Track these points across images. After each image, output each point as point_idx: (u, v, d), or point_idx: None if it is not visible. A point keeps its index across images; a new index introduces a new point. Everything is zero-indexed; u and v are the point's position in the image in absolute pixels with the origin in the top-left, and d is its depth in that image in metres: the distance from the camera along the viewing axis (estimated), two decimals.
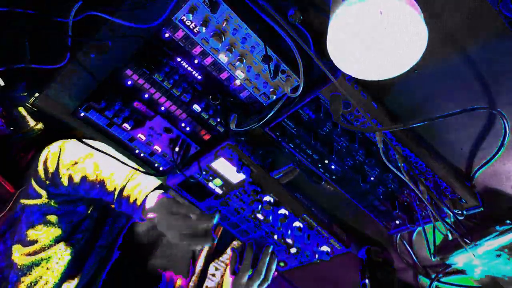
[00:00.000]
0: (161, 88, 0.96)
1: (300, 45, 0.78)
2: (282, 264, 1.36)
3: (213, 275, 1.47)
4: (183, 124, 1.02)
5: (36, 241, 1.18)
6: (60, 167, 1.18)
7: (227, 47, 0.85)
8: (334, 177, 1.10)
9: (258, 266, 1.28)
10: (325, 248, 1.23)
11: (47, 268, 1.17)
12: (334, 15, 0.68)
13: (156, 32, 0.86)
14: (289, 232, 1.21)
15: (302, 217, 1.17)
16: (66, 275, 1.20)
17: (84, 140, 1.05)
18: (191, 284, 1.43)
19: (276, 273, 1.39)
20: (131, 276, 1.32)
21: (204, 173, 1.10)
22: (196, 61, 0.91)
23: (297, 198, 1.18)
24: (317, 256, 1.26)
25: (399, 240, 1.34)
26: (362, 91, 0.91)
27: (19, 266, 1.16)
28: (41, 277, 1.16)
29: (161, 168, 1.13)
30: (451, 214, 1.02)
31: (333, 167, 1.08)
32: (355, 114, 0.93)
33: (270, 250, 1.30)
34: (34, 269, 1.16)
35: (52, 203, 1.21)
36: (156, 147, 1.05)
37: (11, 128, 1.28)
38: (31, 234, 1.18)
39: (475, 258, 1.22)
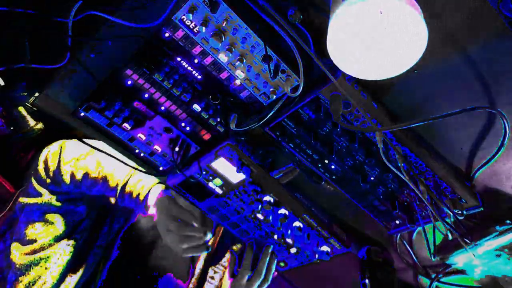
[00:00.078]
0: (161, 88, 0.95)
1: (300, 45, 0.78)
2: (282, 264, 1.36)
3: (212, 277, 1.47)
4: (183, 124, 1.02)
5: (35, 240, 1.18)
6: (61, 165, 1.18)
7: (227, 46, 0.85)
8: (334, 177, 1.10)
9: (258, 267, 1.28)
10: (325, 248, 1.23)
11: (46, 268, 1.17)
12: (334, 15, 0.68)
13: (156, 32, 0.86)
14: (289, 232, 1.21)
15: (302, 217, 1.17)
16: (65, 276, 1.21)
17: (84, 140, 1.05)
18: (191, 286, 1.43)
19: (276, 273, 1.39)
20: (129, 276, 1.32)
21: (204, 173, 1.10)
22: (196, 61, 0.91)
23: (297, 198, 1.18)
24: (317, 256, 1.26)
25: (399, 240, 1.34)
26: (362, 91, 0.91)
27: (17, 266, 1.16)
28: (39, 277, 1.16)
29: (161, 168, 1.12)
30: (451, 214, 1.02)
31: (333, 167, 1.08)
32: (355, 114, 0.93)
33: (270, 250, 1.30)
34: (32, 268, 1.16)
35: (52, 202, 1.21)
36: (156, 147, 1.05)
37: (11, 128, 1.28)
38: (30, 233, 1.18)
39: (475, 258, 1.22)
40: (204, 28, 0.81)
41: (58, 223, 1.21)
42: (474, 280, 1.33)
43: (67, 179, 1.18)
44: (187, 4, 0.79)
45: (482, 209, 1.06)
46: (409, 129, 0.97)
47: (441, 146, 1.02)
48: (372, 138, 1.00)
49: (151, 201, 1.19)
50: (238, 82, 0.94)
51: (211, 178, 1.12)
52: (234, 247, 1.44)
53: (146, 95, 0.97)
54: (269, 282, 1.30)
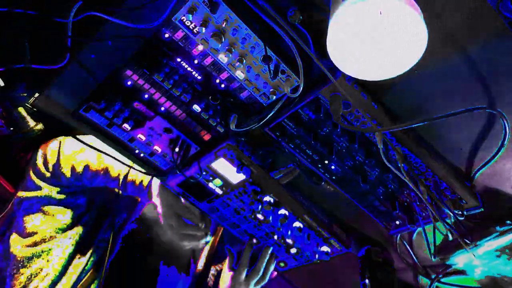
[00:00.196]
0: (161, 89, 0.96)
1: (300, 45, 0.78)
2: (282, 264, 1.36)
3: (214, 275, 1.47)
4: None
5: (36, 233, 1.18)
6: (61, 158, 1.19)
7: (227, 47, 0.85)
8: (334, 177, 1.10)
9: (257, 265, 1.28)
10: (325, 248, 1.23)
11: (48, 261, 1.17)
12: (334, 15, 0.68)
13: (156, 32, 0.86)
14: (289, 232, 1.21)
15: (302, 217, 1.17)
16: (67, 268, 1.21)
17: (78, 137, 1.05)
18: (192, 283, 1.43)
19: (275, 273, 1.39)
20: (132, 269, 1.32)
21: (204, 173, 1.10)
22: (196, 62, 0.91)
23: (297, 199, 1.18)
24: (317, 256, 1.26)
25: (399, 240, 1.34)
26: (362, 91, 0.91)
27: (19, 258, 1.16)
28: (41, 269, 1.16)
29: (161, 169, 1.12)
30: (451, 214, 1.01)
31: (333, 167, 1.07)
32: (355, 115, 0.93)
33: (269, 251, 1.30)
34: (34, 260, 1.16)
35: (52, 195, 1.21)
36: (156, 147, 1.05)
37: (11, 129, 1.28)
38: (31, 225, 1.18)
39: (475, 259, 1.22)
40: (204, 28, 0.81)
41: (58, 216, 1.21)
42: (474, 281, 1.33)
43: (67, 172, 1.18)
44: (187, 5, 0.79)
45: (482, 209, 1.05)
46: (409, 129, 0.97)
47: (441, 147, 1.02)
48: (372, 139, 1.00)
49: (155, 187, 1.20)
50: (248, 92, 0.93)
51: (211, 178, 1.12)
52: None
53: (146, 96, 0.97)
54: (265, 281, 1.31)
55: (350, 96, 0.87)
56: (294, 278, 1.53)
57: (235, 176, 1.10)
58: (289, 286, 1.57)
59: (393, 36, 0.68)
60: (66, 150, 1.21)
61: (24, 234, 1.18)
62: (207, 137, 1.05)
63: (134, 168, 1.11)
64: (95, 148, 1.03)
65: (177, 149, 1.04)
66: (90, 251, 1.27)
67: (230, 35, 0.83)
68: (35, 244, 1.17)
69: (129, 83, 0.94)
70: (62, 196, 1.23)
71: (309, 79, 0.88)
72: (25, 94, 1.08)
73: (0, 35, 0.94)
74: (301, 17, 0.82)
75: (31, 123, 1.35)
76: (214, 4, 0.78)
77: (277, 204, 1.15)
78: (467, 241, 1.14)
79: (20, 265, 1.15)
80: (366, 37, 0.70)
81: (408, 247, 1.34)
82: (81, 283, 1.24)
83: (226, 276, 1.31)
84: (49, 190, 1.21)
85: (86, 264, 1.25)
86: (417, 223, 1.14)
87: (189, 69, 0.93)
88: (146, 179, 1.22)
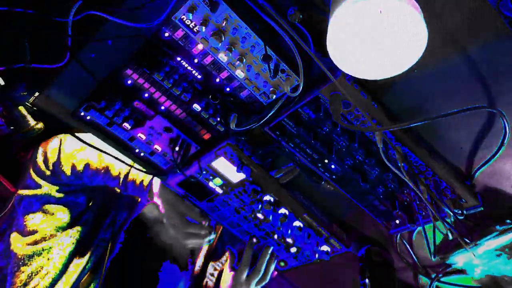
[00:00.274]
0: (161, 88, 0.96)
1: (300, 44, 0.78)
2: (282, 263, 1.36)
3: (212, 274, 1.47)
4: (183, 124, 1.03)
5: (36, 231, 1.18)
6: (61, 156, 1.19)
7: (227, 46, 0.85)
8: (334, 176, 1.10)
9: (257, 265, 1.28)
10: (325, 247, 1.23)
11: (48, 259, 1.17)
12: (334, 15, 0.68)
13: (156, 31, 0.86)
14: (289, 231, 1.21)
15: (302, 216, 1.17)
16: (67, 267, 1.21)
17: (77, 135, 1.05)
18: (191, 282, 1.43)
19: (275, 272, 1.39)
20: (132, 268, 1.33)
21: (204, 172, 1.10)
22: (196, 61, 0.91)
23: (297, 198, 1.18)
24: (317, 255, 1.27)
25: (399, 239, 1.34)
26: (362, 91, 0.91)
27: (19, 256, 1.16)
28: (42, 268, 1.16)
29: (161, 168, 1.13)
30: (451, 213, 1.02)
31: (333, 166, 1.07)
32: (355, 114, 0.93)
33: (270, 251, 1.30)
34: (35, 259, 1.16)
35: (52, 194, 1.21)
36: (156, 146, 1.05)
37: (11, 128, 1.28)
38: (31, 224, 1.18)
39: (475, 258, 1.22)
40: (203, 27, 0.81)
41: (58, 214, 1.21)
42: (474, 280, 1.33)
43: (67, 170, 1.18)
44: (186, 4, 0.79)
45: (482, 208, 1.05)
46: (409, 128, 0.97)
47: (441, 146, 1.02)
48: (372, 138, 1.00)
49: (155, 187, 1.20)
50: (248, 91, 0.94)
51: (211, 177, 1.12)
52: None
53: (146, 95, 0.97)
54: (266, 281, 1.31)
55: (350, 96, 0.87)
56: (294, 277, 1.53)
57: (235, 175, 1.10)
58: (289, 286, 1.57)
59: (393, 36, 0.68)
60: (66, 148, 1.21)
61: (25, 233, 1.18)
62: (207, 136, 1.05)
63: (134, 168, 1.11)
64: (95, 147, 1.03)
65: (177, 148, 1.04)
66: (90, 250, 1.27)
67: (230, 34, 0.83)
68: (35, 242, 1.17)
69: (129, 82, 0.94)
70: (61, 195, 1.23)
71: (309, 78, 0.88)
72: (25, 94, 1.08)
73: (0, 35, 0.94)
74: (301, 17, 0.82)
75: (32, 122, 1.35)
76: (214, 3, 0.78)
77: (277, 204, 1.15)
78: (467, 240, 1.14)
79: (20, 263, 1.16)
80: (366, 37, 0.70)
81: (408, 246, 1.34)
82: (81, 281, 1.24)
83: (227, 276, 1.32)
84: (48, 189, 1.21)
85: (86, 263, 1.25)
86: (417, 223, 1.14)
87: (189, 68, 0.93)
88: (146, 178, 1.22)
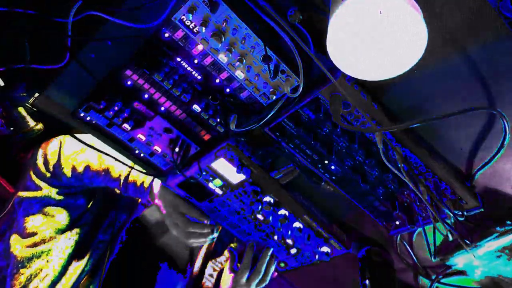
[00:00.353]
0: (161, 88, 0.95)
1: (300, 45, 0.78)
2: (282, 264, 1.36)
3: (211, 275, 1.47)
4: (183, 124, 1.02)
5: (36, 233, 1.18)
6: (62, 158, 1.19)
7: (226, 47, 0.85)
8: (334, 177, 1.10)
9: (257, 266, 1.28)
10: (325, 248, 1.23)
11: (47, 261, 1.17)
12: (334, 15, 0.68)
13: (156, 32, 0.86)
14: (289, 232, 1.21)
15: (302, 217, 1.17)
16: (66, 269, 1.21)
17: (77, 136, 1.05)
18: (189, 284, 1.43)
19: (276, 273, 1.39)
20: (131, 270, 1.33)
21: (204, 173, 1.10)
22: (196, 61, 0.91)
23: (297, 199, 1.18)
24: (317, 256, 1.26)
25: (399, 240, 1.34)
26: (362, 91, 0.91)
27: (19, 258, 1.16)
28: (41, 270, 1.16)
29: (161, 169, 1.12)
30: (451, 214, 1.01)
31: (333, 167, 1.07)
32: (355, 115, 0.93)
33: (270, 252, 1.30)
34: (34, 261, 1.16)
35: (52, 196, 1.21)
36: (156, 147, 1.05)
37: (11, 129, 1.28)
38: (31, 226, 1.18)
39: (475, 259, 1.22)
40: (203, 28, 0.81)
41: (58, 216, 1.21)
42: (474, 281, 1.33)
43: (68, 172, 1.18)
44: (186, 4, 0.79)
45: (482, 209, 1.05)
46: (409, 129, 0.97)
47: (441, 147, 1.02)
48: (372, 139, 1.00)
49: (156, 188, 1.20)
50: (248, 92, 0.94)
51: (211, 178, 1.12)
52: (232, 245, 1.45)
53: (146, 96, 0.97)
54: (267, 282, 1.31)
55: (350, 96, 0.87)
56: (294, 278, 1.53)
57: (235, 176, 1.10)
58: (289, 287, 1.57)
59: (393, 36, 0.68)
60: (66, 150, 1.21)
61: (24, 235, 1.18)
62: (207, 137, 1.05)
63: (134, 169, 1.11)
64: (95, 148, 1.03)
65: (177, 149, 1.04)
66: (90, 252, 1.27)
67: (230, 34, 0.83)
68: (35, 244, 1.17)
69: (129, 83, 0.94)
70: (61, 197, 1.23)
71: (309, 79, 0.88)
72: (25, 94, 1.08)
73: (0, 35, 0.94)
74: (301, 17, 0.82)
75: (31, 123, 1.35)
76: (214, 4, 0.78)
77: (277, 204, 1.15)
78: (467, 241, 1.14)
79: (20, 265, 1.15)
80: (366, 37, 0.70)
81: (408, 247, 1.34)
82: (80, 283, 1.24)
83: (227, 277, 1.31)
84: (49, 191, 1.21)
85: (86, 265, 1.25)
86: (417, 224, 1.14)
87: (189, 68, 0.93)
88: (147, 180, 1.22)
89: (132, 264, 1.33)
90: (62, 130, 1.24)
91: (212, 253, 1.52)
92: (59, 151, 1.20)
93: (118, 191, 1.29)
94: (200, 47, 0.88)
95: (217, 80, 0.94)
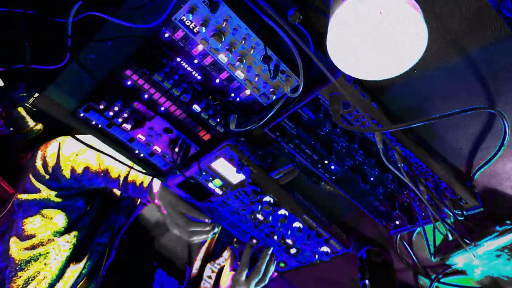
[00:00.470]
0: (161, 89, 0.95)
1: (300, 45, 0.78)
2: (282, 264, 1.36)
3: (209, 277, 1.47)
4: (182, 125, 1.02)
5: (34, 236, 1.18)
6: (61, 160, 1.18)
7: (227, 47, 0.85)
8: (334, 177, 1.10)
9: (257, 265, 1.28)
10: (325, 248, 1.23)
11: (45, 264, 1.17)
12: (334, 15, 0.68)
13: (156, 32, 0.86)
14: (289, 232, 1.21)
15: (302, 217, 1.17)
16: (64, 272, 1.21)
17: (78, 137, 1.05)
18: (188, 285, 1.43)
19: (275, 273, 1.39)
20: (129, 272, 1.33)
21: (204, 173, 1.10)
22: (196, 61, 0.91)
23: (297, 199, 1.18)
24: (317, 256, 1.26)
25: (399, 240, 1.34)
26: (362, 91, 0.91)
27: (17, 261, 1.15)
28: (39, 273, 1.16)
29: (161, 169, 1.12)
30: (451, 214, 1.02)
31: (332, 167, 1.08)
32: (355, 115, 0.93)
33: (270, 252, 1.30)
34: (32, 264, 1.16)
35: (51, 198, 1.21)
36: (156, 147, 1.05)
37: (11, 129, 1.28)
38: (29, 228, 1.18)
39: (475, 259, 1.22)
40: (204, 28, 0.81)
41: (56, 219, 1.21)
42: (474, 281, 1.33)
43: (67, 174, 1.18)
44: (187, 5, 0.79)
45: (482, 209, 1.05)
46: (409, 129, 0.97)
47: (441, 147, 1.02)
48: (371, 139, 1.00)
49: (156, 188, 1.21)
50: (248, 92, 0.94)
51: (211, 178, 1.12)
52: (235, 244, 1.45)
53: (146, 96, 0.97)
54: (266, 282, 1.31)
55: (350, 96, 0.87)
56: (294, 278, 1.53)
57: (235, 176, 1.10)
58: (289, 287, 1.57)
59: (393, 36, 0.68)
60: (65, 152, 1.21)
61: (23, 237, 1.18)
62: (207, 137, 1.05)
63: (134, 169, 1.11)
64: (95, 149, 1.03)
65: (177, 149, 1.04)
66: (87, 254, 1.27)
67: (230, 35, 0.83)
68: (33, 247, 1.17)
69: (129, 83, 0.94)
70: (60, 199, 1.22)
71: (309, 79, 0.88)
72: (25, 94, 1.08)
73: (0, 35, 0.94)
74: (301, 17, 0.83)
75: (31, 123, 1.35)
76: (214, 4, 0.78)
77: (277, 204, 1.15)
78: (466, 241, 1.14)
79: (18, 268, 1.15)
80: (366, 37, 0.70)
81: (407, 247, 1.34)
82: (78, 286, 1.24)
83: (227, 276, 1.32)
84: (47, 193, 1.21)
85: (83, 267, 1.25)
86: (417, 223, 1.14)
87: (189, 69, 0.93)
88: (146, 180, 1.22)
89: (130, 266, 1.33)
90: (62, 130, 1.24)
91: (211, 254, 1.52)
92: (58, 153, 1.20)
93: (117, 192, 1.29)
94: (200, 47, 0.88)
95: (217, 80, 0.94)
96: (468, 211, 1.06)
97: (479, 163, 1.02)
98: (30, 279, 1.15)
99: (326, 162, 1.06)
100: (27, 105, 1.06)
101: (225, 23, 0.81)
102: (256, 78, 0.91)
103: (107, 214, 1.35)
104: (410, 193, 1.11)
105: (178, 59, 0.92)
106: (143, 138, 1.03)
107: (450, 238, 1.06)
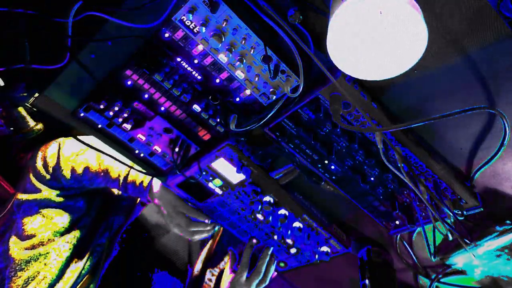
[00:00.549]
0: (161, 88, 0.95)
1: (300, 45, 0.78)
2: (282, 264, 1.36)
3: (210, 280, 1.47)
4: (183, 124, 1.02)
5: (34, 235, 1.18)
6: (61, 160, 1.19)
7: (227, 47, 0.85)
8: (334, 177, 1.10)
9: (257, 266, 1.28)
10: (325, 248, 1.23)
11: (45, 264, 1.17)
12: (334, 15, 0.68)
13: (156, 32, 0.86)
14: (289, 232, 1.21)
15: (302, 217, 1.17)
16: (64, 272, 1.21)
17: (79, 138, 1.05)
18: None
19: (275, 273, 1.39)
20: (128, 273, 1.32)
21: (204, 173, 1.10)
22: (196, 61, 0.91)
23: (297, 199, 1.18)
24: (317, 256, 1.26)
25: (399, 240, 1.34)
26: (362, 91, 0.91)
27: (17, 261, 1.15)
28: (38, 273, 1.16)
29: (161, 169, 1.12)
30: (451, 214, 1.01)
31: (332, 167, 1.08)
32: (355, 115, 0.93)
33: (270, 252, 1.30)
34: (32, 264, 1.16)
35: (52, 198, 1.21)
36: (156, 147, 1.05)
37: (11, 129, 1.28)
38: (29, 228, 1.18)
39: (475, 259, 1.22)
40: (204, 28, 0.81)
41: (57, 219, 1.21)
42: (474, 281, 1.33)
43: (67, 174, 1.18)
44: (187, 5, 0.79)
45: (482, 209, 1.05)
46: (409, 129, 0.97)
47: (441, 147, 1.02)
48: (372, 139, 1.00)
49: (156, 188, 1.21)
50: (248, 92, 0.94)
51: (211, 178, 1.12)
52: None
53: (146, 96, 0.97)
54: (266, 282, 1.31)
55: (350, 96, 0.87)
56: (294, 278, 1.53)
57: (235, 176, 1.10)
58: (289, 287, 1.57)
59: (393, 36, 0.68)
60: (65, 152, 1.21)
61: (23, 237, 1.18)
62: (207, 137, 1.05)
63: (134, 169, 1.11)
64: (95, 148, 1.03)
65: (177, 149, 1.04)
66: (87, 255, 1.26)
67: (230, 35, 0.83)
68: (33, 247, 1.17)
69: (129, 83, 0.94)
70: (61, 199, 1.22)
71: (309, 79, 0.88)
72: (25, 94, 1.08)
73: (0, 35, 0.94)
74: (301, 17, 0.83)
75: (31, 123, 1.35)
76: (214, 4, 0.78)
77: (277, 204, 1.15)
78: (466, 241, 1.14)
79: (18, 268, 1.15)
80: (366, 37, 0.70)
81: (407, 247, 1.34)
82: (77, 287, 1.24)
83: (227, 278, 1.31)
84: (48, 193, 1.21)
85: (83, 268, 1.25)
86: (417, 223, 1.14)
87: (189, 69, 0.93)
88: (146, 179, 1.22)
89: (131, 266, 1.33)
90: (62, 130, 1.25)
91: (212, 256, 1.52)
92: (58, 153, 1.20)
93: (117, 191, 1.29)
94: (200, 47, 0.88)
95: (217, 80, 0.94)
96: (468, 211, 1.06)
97: (479, 163, 1.02)
98: (30, 279, 1.15)
99: (326, 162, 1.06)
100: (27, 105, 1.07)
101: (225, 23, 0.81)
102: (256, 78, 0.91)
103: (107, 215, 1.35)
104: (410, 193, 1.11)
105: (178, 59, 0.92)
106: (143, 138, 1.03)
107: (450, 238, 1.06)
